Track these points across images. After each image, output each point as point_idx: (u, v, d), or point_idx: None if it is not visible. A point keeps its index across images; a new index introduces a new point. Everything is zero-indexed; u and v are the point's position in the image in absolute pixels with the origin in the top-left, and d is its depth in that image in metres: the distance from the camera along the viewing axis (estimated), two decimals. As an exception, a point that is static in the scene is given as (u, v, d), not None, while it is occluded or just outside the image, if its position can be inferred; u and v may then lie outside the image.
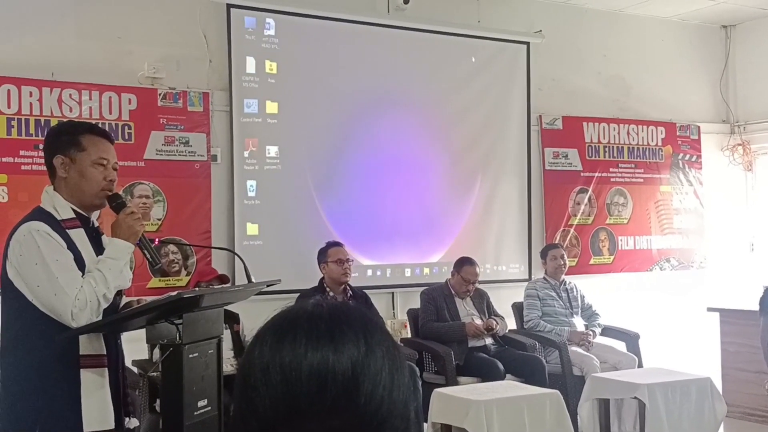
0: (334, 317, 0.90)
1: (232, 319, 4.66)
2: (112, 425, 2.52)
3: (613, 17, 7.16)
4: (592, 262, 6.90)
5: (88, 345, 2.48)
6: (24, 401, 2.44)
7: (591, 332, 5.83)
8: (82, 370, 2.46)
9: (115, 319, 2.58)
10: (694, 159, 7.45)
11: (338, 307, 0.92)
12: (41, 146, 2.79)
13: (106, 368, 2.54)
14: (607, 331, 6.00)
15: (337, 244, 5.26)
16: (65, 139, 2.60)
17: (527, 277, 6.48)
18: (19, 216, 2.62)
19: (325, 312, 0.91)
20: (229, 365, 4.46)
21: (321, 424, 0.85)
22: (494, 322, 5.56)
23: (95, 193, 2.59)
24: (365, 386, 0.86)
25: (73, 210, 2.57)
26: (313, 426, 0.85)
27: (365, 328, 0.90)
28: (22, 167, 4.80)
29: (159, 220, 5.24)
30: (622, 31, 7.21)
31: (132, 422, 2.71)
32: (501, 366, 5.20)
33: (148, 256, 2.69)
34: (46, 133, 2.75)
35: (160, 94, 5.28)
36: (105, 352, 2.54)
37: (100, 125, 4.82)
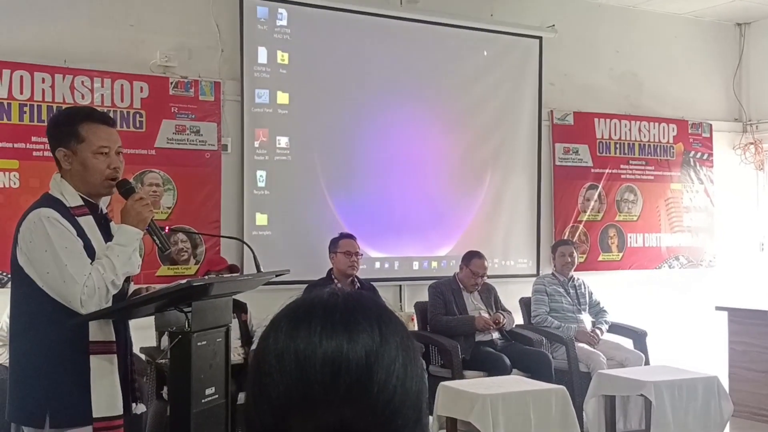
0: (349, 307, 0.90)
1: (239, 308, 4.68)
2: (120, 411, 2.53)
3: (627, 13, 7.12)
4: (600, 258, 6.88)
5: (97, 331, 2.49)
6: (33, 387, 2.45)
7: (598, 329, 5.82)
8: (91, 356, 2.47)
9: (124, 306, 2.59)
10: (705, 157, 7.41)
11: (354, 296, 0.92)
12: None
13: (115, 355, 2.54)
14: (614, 328, 6.00)
15: (349, 236, 5.28)
16: (65, 130, 2.58)
17: (535, 272, 6.47)
18: (30, 202, 2.63)
19: (340, 301, 0.91)
20: (236, 354, 4.48)
21: (333, 412, 0.85)
22: (501, 317, 5.56)
23: (100, 183, 2.58)
24: (379, 376, 0.86)
25: (82, 197, 2.57)
26: (326, 414, 0.85)
27: (380, 318, 0.90)
28: (34, 153, 4.81)
29: (169, 208, 5.25)
30: (635, 27, 7.17)
31: (139, 408, 2.73)
32: (507, 361, 5.20)
33: (158, 241, 2.69)
34: (47, 123, 2.73)
35: (171, 83, 5.28)
36: (114, 339, 2.55)
37: (111, 113, 4.91)
